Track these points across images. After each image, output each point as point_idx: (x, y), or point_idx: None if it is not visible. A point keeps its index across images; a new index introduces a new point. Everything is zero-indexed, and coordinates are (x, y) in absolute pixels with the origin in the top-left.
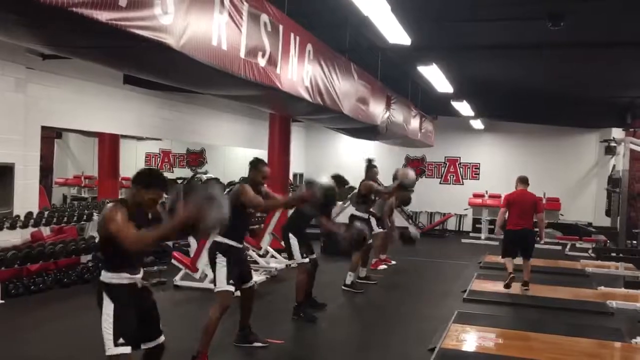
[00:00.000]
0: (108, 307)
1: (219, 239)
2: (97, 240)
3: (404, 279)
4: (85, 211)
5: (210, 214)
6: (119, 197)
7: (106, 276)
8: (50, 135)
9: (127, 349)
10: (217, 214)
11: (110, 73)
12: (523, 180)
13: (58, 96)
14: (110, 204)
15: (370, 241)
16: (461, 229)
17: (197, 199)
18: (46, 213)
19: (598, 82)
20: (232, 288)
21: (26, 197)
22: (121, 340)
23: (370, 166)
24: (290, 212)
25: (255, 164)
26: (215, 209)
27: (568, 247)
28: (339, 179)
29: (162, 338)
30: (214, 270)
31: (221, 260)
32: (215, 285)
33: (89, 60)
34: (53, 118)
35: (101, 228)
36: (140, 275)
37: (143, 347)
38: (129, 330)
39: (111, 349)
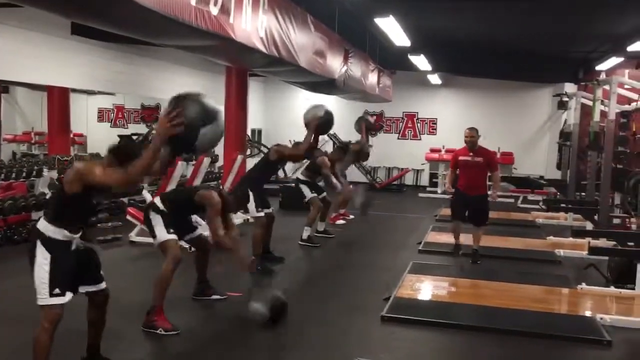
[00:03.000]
0: (43, 255)
1: (156, 200)
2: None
3: (362, 233)
4: (35, 167)
5: (193, 124)
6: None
7: (44, 226)
8: None
9: (62, 299)
10: (208, 128)
11: (57, 23)
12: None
13: (2, 47)
14: (81, 163)
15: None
16: (418, 184)
17: (179, 109)
18: None
19: (552, 37)
20: (173, 236)
21: None
22: (57, 290)
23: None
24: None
25: None
26: (204, 121)
27: (520, 199)
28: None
29: (103, 284)
30: (150, 230)
31: (155, 216)
32: (155, 239)
33: (30, 4)
34: None
35: (71, 181)
36: (78, 236)
37: (81, 290)
38: (65, 279)
39: (46, 299)
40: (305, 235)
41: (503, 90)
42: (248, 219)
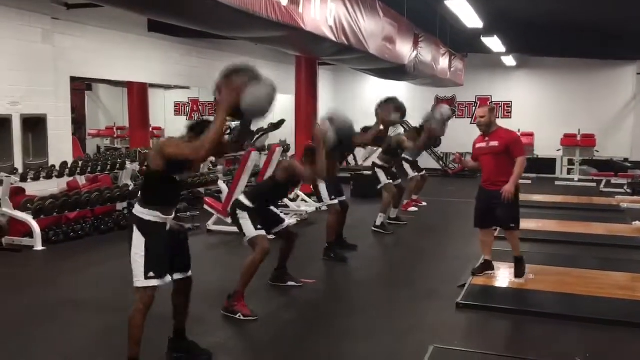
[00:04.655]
0: (139, 240)
1: (242, 198)
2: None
3: (435, 220)
4: (119, 160)
5: (251, 92)
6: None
7: (139, 210)
8: (81, 88)
9: (156, 282)
10: (259, 91)
11: (134, 21)
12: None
13: (84, 46)
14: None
15: (399, 181)
16: None
17: (237, 80)
18: (80, 162)
19: (634, 11)
20: (262, 232)
21: (60, 147)
22: (152, 274)
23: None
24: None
25: None
26: (257, 87)
27: (603, 183)
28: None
29: (190, 272)
30: (238, 227)
31: (242, 214)
32: (244, 237)
33: (110, 4)
34: (81, 68)
35: (154, 156)
36: (172, 217)
37: (175, 277)
38: (159, 264)
39: (141, 281)
40: (378, 221)
41: (582, 69)
42: (320, 208)
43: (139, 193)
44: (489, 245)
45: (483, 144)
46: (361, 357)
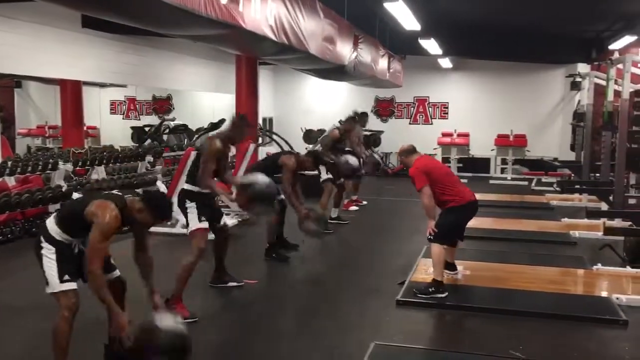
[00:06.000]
0: (49, 249)
1: (187, 186)
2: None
3: (375, 219)
4: (50, 160)
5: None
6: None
7: (52, 228)
8: (9, 85)
9: (73, 285)
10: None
11: (67, 16)
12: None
13: (14, 41)
14: (112, 204)
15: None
16: None
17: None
18: (9, 163)
19: (564, 17)
20: (205, 225)
21: None
22: (67, 277)
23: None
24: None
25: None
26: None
27: (534, 182)
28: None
29: (117, 272)
30: (185, 216)
31: (190, 205)
32: (187, 227)
33: None
34: (10, 64)
35: (89, 214)
36: (80, 240)
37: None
38: (72, 267)
39: (58, 286)
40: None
41: (515, 72)
42: None
43: (62, 210)
44: (449, 252)
45: None
46: (303, 356)
